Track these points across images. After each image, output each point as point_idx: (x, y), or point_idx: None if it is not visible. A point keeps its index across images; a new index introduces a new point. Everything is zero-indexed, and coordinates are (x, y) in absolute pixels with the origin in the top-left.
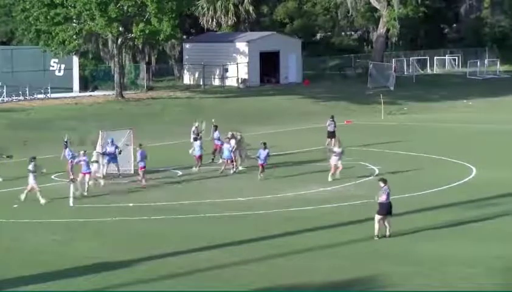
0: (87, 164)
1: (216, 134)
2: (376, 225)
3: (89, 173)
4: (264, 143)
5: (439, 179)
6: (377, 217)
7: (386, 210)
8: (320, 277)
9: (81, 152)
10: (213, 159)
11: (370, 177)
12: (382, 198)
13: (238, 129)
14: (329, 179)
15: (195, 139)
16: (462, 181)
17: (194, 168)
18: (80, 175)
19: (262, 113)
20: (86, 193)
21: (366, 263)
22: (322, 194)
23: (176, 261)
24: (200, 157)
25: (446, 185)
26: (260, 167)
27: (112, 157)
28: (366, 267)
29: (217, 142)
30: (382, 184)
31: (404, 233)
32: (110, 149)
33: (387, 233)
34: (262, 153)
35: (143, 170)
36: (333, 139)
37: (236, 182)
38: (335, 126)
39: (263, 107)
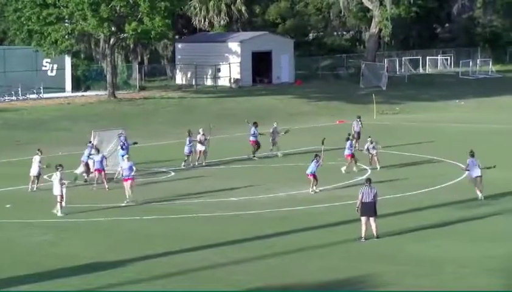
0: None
1: (253, 131)
2: (362, 227)
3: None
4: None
5: (431, 179)
6: (361, 218)
7: (364, 210)
8: (312, 277)
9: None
10: (254, 156)
11: (362, 177)
12: (358, 198)
13: (231, 129)
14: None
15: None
16: (453, 181)
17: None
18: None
19: (254, 113)
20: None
21: (358, 263)
22: (313, 194)
23: (168, 261)
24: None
25: (437, 185)
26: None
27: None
28: (358, 267)
29: (252, 138)
30: (365, 184)
31: (396, 233)
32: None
33: (374, 234)
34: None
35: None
36: (358, 140)
37: (229, 182)
38: (361, 127)
39: (255, 107)
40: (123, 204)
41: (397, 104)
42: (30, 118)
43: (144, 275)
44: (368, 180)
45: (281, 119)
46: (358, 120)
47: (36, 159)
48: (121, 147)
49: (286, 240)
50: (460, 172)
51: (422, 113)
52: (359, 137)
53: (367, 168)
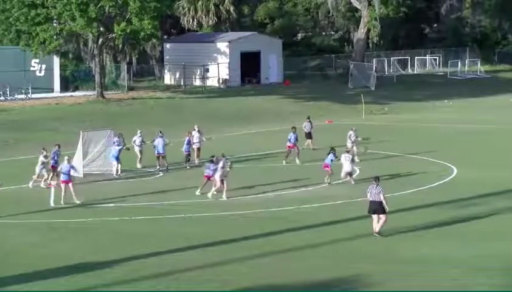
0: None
1: (293, 137)
2: (374, 223)
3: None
4: None
5: (420, 178)
6: (372, 216)
7: (371, 208)
8: (301, 277)
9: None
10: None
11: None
12: (367, 196)
13: (219, 129)
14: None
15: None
16: (443, 181)
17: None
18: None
19: (243, 113)
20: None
21: (348, 263)
22: (303, 194)
23: (156, 261)
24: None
25: (427, 185)
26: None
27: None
28: (347, 267)
29: (289, 143)
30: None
31: (385, 233)
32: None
33: (376, 231)
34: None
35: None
36: (310, 140)
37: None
38: (311, 127)
39: (244, 108)
40: (78, 202)
41: (386, 104)
42: (18, 119)
43: (132, 275)
44: (377, 178)
45: (270, 119)
46: (308, 120)
47: (40, 157)
48: (118, 144)
49: (275, 240)
50: (449, 172)
51: (411, 113)
52: (310, 137)
53: (357, 168)
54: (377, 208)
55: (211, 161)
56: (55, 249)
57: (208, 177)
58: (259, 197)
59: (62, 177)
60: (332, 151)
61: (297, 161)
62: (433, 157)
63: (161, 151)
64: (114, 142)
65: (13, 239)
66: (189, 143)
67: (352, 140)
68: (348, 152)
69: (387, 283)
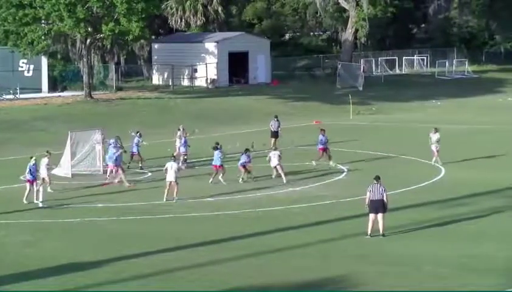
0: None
1: (322, 138)
2: (368, 224)
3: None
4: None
5: (409, 178)
6: (369, 215)
7: (373, 208)
8: (290, 277)
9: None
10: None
11: (339, 177)
12: (367, 196)
13: (207, 129)
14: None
15: None
16: (431, 181)
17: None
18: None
19: (231, 113)
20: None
21: (336, 262)
22: (291, 194)
23: (144, 261)
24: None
25: (415, 185)
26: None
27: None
28: (336, 267)
29: (320, 146)
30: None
31: (375, 233)
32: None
33: (380, 231)
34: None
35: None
36: (276, 139)
37: (206, 182)
38: (279, 126)
39: (232, 108)
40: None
41: (374, 104)
42: (6, 119)
43: (121, 275)
44: (377, 177)
45: (258, 119)
46: (275, 119)
47: (44, 161)
48: (115, 147)
49: (264, 240)
50: (438, 172)
51: (399, 113)
52: (277, 137)
53: (345, 168)
54: (379, 206)
55: (216, 148)
56: (44, 249)
57: (216, 167)
58: (248, 197)
59: (27, 177)
60: (246, 152)
61: (314, 162)
62: (421, 157)
63: (132, 150)
64: (110, 144)
65: (2, 239)
66: (185, 142)
67: (434, 141)
68: (276, 149)
69: (375, 282)
